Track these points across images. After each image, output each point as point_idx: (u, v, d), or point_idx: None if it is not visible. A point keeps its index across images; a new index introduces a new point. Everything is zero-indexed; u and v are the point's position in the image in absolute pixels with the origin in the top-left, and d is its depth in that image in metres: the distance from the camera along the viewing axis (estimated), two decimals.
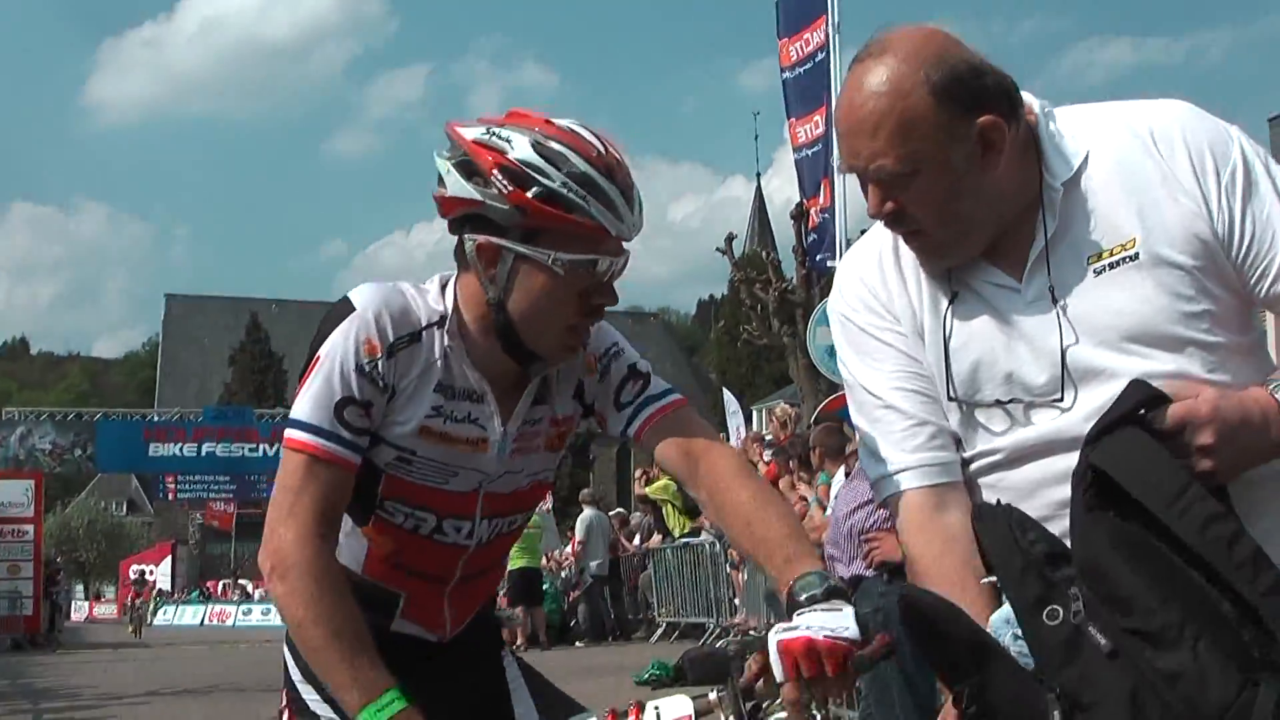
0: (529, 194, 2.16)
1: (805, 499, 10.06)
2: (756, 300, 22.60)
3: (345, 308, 2.27)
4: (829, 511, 8.11)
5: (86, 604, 71.77)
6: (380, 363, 2.23)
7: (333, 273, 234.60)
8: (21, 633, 28.28)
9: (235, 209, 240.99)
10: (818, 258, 21.04)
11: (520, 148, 2.19)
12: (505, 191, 2.17)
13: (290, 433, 2.26)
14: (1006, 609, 1.98)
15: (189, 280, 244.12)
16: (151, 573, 50.65)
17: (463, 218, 2.25)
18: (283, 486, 2.23)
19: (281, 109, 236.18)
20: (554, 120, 2.24)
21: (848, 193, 21.01)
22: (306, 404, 2.24)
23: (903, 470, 2.24)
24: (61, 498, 71.07)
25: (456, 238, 2.28)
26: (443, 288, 2.35)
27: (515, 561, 19.35)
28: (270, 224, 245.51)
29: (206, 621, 48.90)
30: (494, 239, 2.22)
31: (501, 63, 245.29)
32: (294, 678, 2.44)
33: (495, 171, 2.18)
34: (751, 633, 14.66)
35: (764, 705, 2.03)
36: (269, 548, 2.21)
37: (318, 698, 2.37)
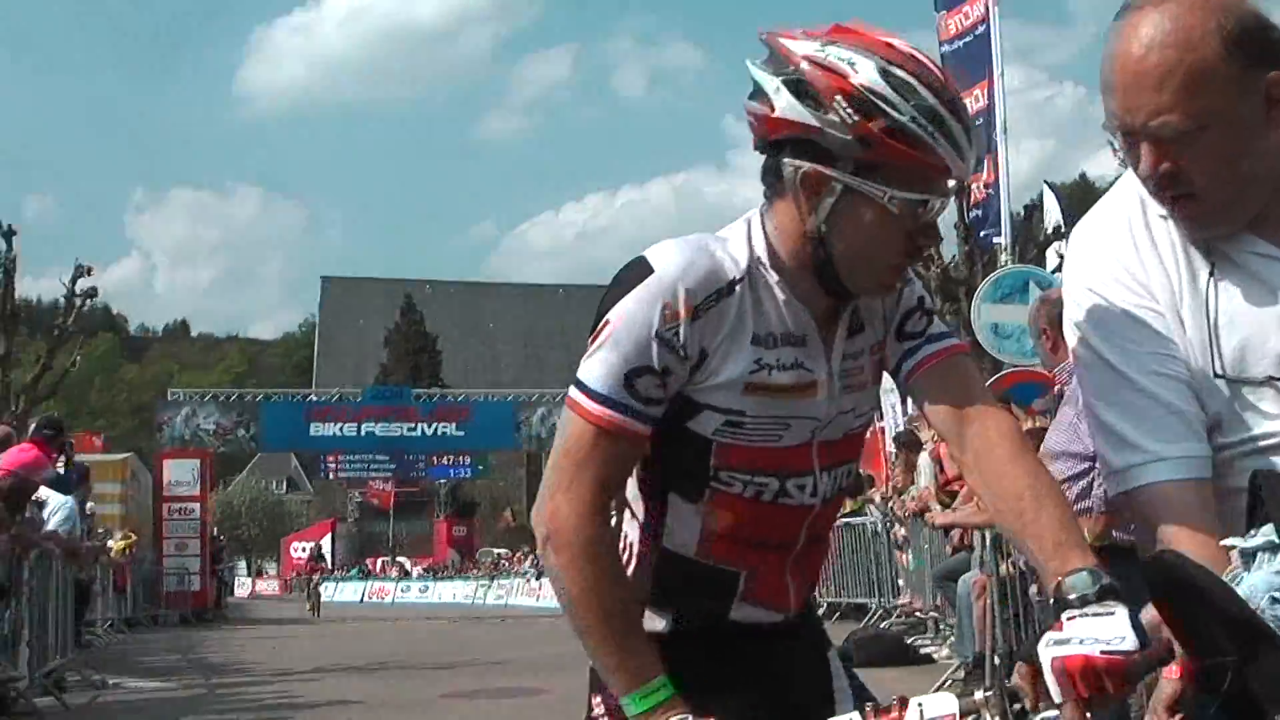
0: (874, 126, 2.00)
1: None
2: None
3: (642, 269, 2.08)
4: None
5: (249, 581, 73.54)
6: (682, 328, 2.06)
7: (483, 254, 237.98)
8: (189, 608, 29.21)
9: (386, 192, 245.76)
10: (981, 234, 20.66)
11: (865, 73, 2.01)
12: (849, 121, 2.00)
13: (576, 396, 2.10)
14: (1269, 577, 1.84)
15: (344, 263, 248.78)
16: (318, 549, 51.65)
17: (786, 140, 2.07)
18: (565, 452, 2.09)
19: (430, 92, 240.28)
20: (893, 42, 2.06)
21: (1010, 168, 20.69)
22: (596, 370, 2.09)
23: (1159, 460, 2.07)
24: (223, 477, 72.98)
25: (768, 159, 2.12)
26: (748, 230, 2.16)
27: None
28: (421, 206, 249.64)
29: (366, 598, 49.90)
30: (823, 168, 2.04)
31: (648, 41, 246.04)
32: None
33: (838, 98, 2.00)
34: (917, 614, 14.47)
35: (1029, 710, 1.91)
36: (546, 514, 2.08)
37: None
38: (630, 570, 2.24)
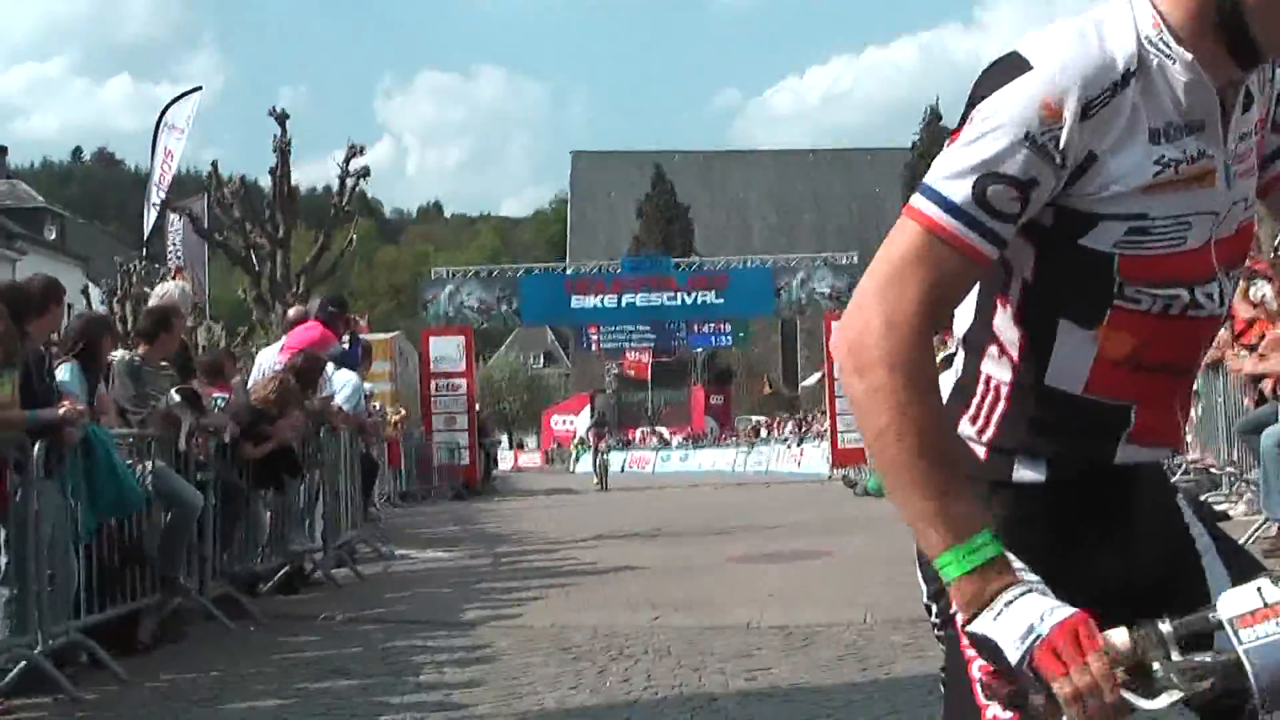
0: None
1: None
2: None
3: (1016, 63, 1.79)
4: None
5: (511, 454, 75.64)
6: (1066, 131, 1.76)
7: (727, 121, 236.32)
8: (461, 481, 30.12)
9: (629, 65, 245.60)
10: None
11: None
12: None
13: (916, 199, 1.82)
14: None
15: (590, 137, 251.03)
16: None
17: None
18: (888, 260, 1.81)
19: None
20: None
21: None
22: (945, 171, 1.79)
23: None
24: (482, 353, 74.88)
25: None
26: (1130, 6, 1.85)
27: None
28: (664, 77, 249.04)
29: (627, 468, 50.85)
30: None
31: None
32: None
33: None
34: (1211, 469, 13.80)
35: None
36: (849, 333, 1.80)
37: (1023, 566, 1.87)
38: (997, 415, 1.96)
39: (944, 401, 1.94)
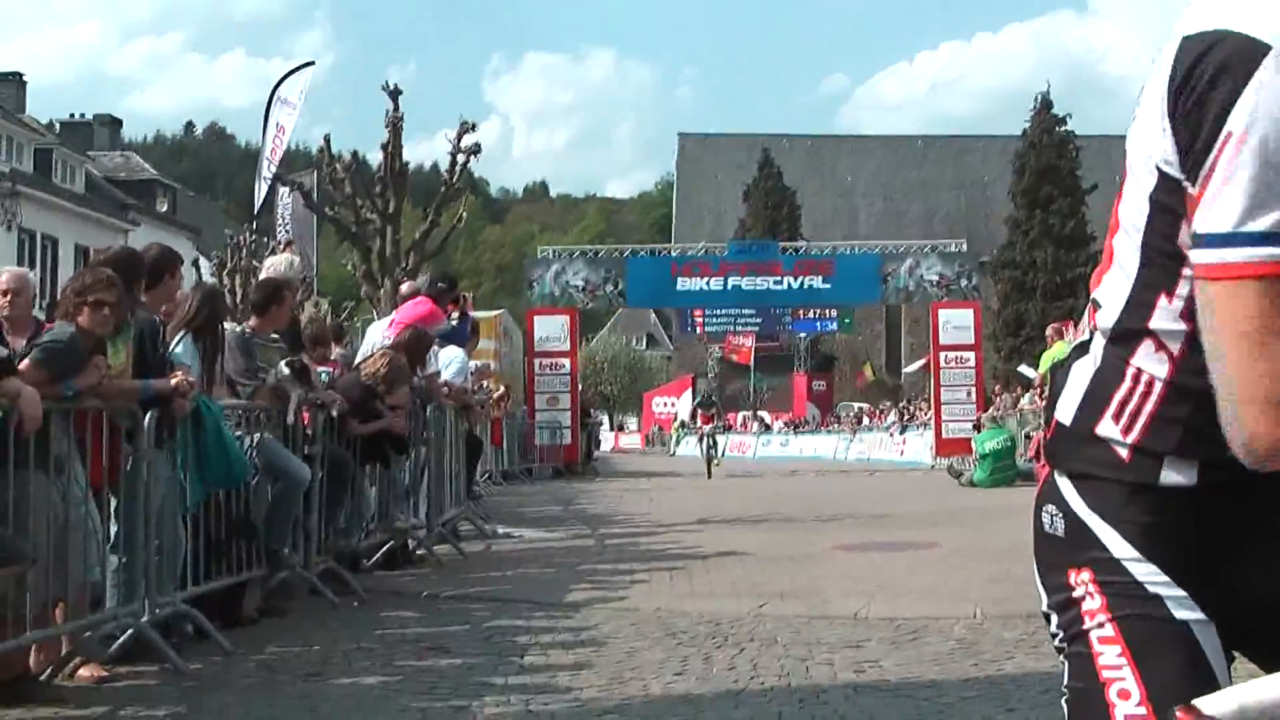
0: None
1: None
2: None
3: (1245, 47, 1.52)
4: None
5: (611, 435, 75.67)
6: None
7: (835, 106, 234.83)
8: (561, 462, 30.17)
9: (736, 48, 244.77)
10: None
11: None
12: None
13: (1215, 256, 1.56)
14: None
15: (696, 120, 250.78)
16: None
17: None
18: (1242, 338, 1.55)
19: None
20: None
21: None
22: (1236, 205, 1.53)
23: None
24: (584, 334, 75.17)
25: None
26: None
27: None
28: (772, 61, 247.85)
29: (728, 452, 50.77)
30: None
31: None
32: (1115, 552, 1.80)
33: None
34: None
35: None
36: (1255, 440, 1.57)
37: (1165, 580, 1.76)
38: (1146, 415, 1.77)
39: (1077, 393, 1.83)
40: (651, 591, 8.96)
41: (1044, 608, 1.88)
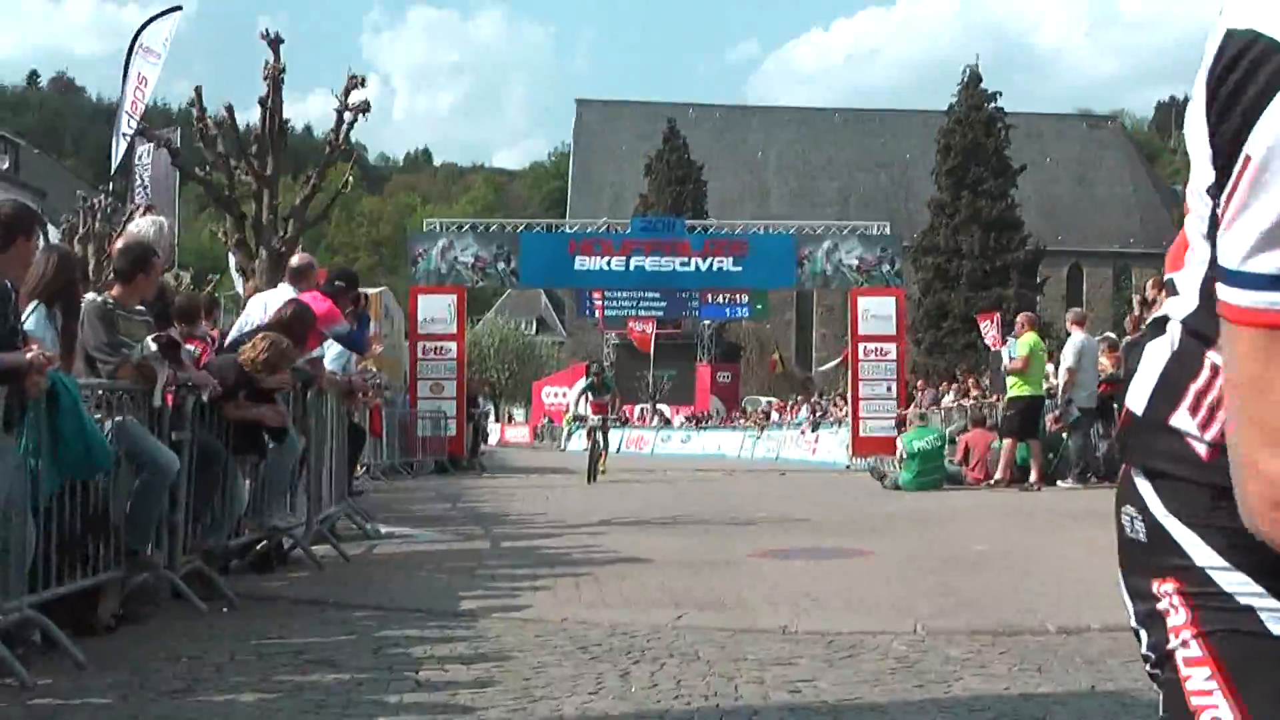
0: None
1: None
2: None
3: (1266, 52, 1.44)
4: None
5: (498, 427, 75.37)
6: None
7: (745, 75, 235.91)
8: (445, 455, 29.88)
9: (639, 8, 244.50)
10: None
11: None
12: None
13: (1230, 295, 1.50)
14: None
15: (594, 86, 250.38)
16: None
17: None
18: (1249, 384, 1.50)
19: None
20: None
21: None
22: (1244, 244, 1.47)
23: None
24: (470, 316, 74.77)
25: None
26: None
27: (1018, 389, 19.40)
28: (678, 25, 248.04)
29: (624, 448, 50.82)
30: None
31: None
32: (1200, 560, 1.72)
33: None
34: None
35: None
36: (1257, 485, 1.50)
37: (1258, 590, 1.66)
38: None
39: (1150, 379, 1.74)
40: (557, 600, 8.81)
41: (1132, 623, 1.79)
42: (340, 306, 11.94)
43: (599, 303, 38.13)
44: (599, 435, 27.01)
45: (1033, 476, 19.37)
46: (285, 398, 10.35)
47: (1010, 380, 19.82)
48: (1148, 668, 1.77)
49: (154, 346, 8.11)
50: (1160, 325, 1.77)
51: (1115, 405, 19.27)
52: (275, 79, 21.57)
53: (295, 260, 13.09)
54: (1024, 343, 19.88)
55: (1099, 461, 19.81)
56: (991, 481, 19.84)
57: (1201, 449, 1.69)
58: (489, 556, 11.59)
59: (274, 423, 9.83)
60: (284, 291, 11.95)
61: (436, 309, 30.27)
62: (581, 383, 25.50)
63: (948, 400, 31.71)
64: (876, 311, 30.31)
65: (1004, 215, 64.34)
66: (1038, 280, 68.35)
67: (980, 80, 66.61)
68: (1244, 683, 1.61)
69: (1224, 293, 1.50)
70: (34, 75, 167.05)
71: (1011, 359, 20.00)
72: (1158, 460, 1.73)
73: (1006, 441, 19.90)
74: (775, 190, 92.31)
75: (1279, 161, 1.42)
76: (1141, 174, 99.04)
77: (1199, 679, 1.65)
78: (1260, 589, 1.63)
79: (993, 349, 29.33)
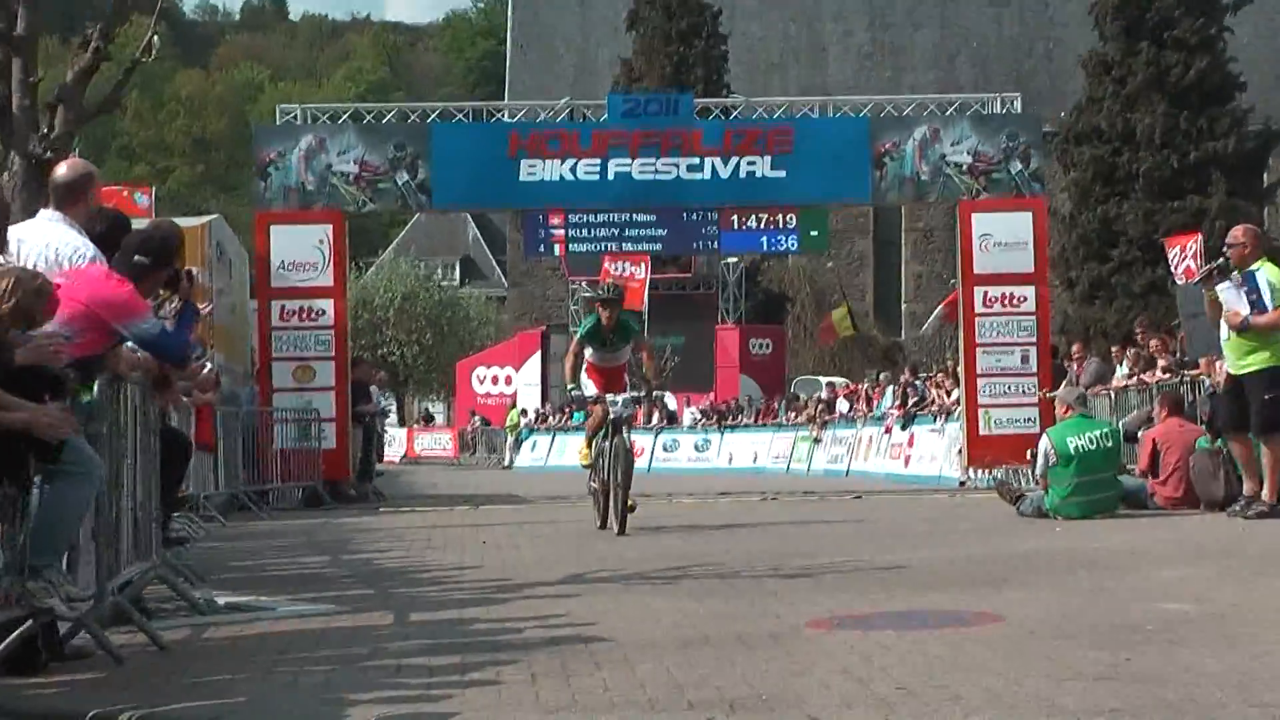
0: None
1: None
2: None
3: None
4: None
5: (402, 433, 75.53)
6: None
7: None
8: (320, 480, 29.73)
9: None
10: None
11: None
12: None
13: None
14: None
15: None
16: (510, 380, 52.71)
17: None
18: None
19: None
20: None
21: None
22: None
23: None
24: (356, 259, 74.53)
25: None
26: None
27: (1253, 355, 18.62)
28: None
29: None
30: None
31: None
32: None
33: None
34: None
35: None
36: None
37: None
38: None
39: None
40: (500, 705, 8.78)
41: None
42: (145, 290, 11.88)
43: (558, 233, 37.71)
44: (615, 440, 21.51)
45: (1265, 491, 19.09)
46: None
47: (1240, 342, 19.00)
48: None
49: None
50: None
51: None
52: None
53: (63, 171, 12.94)
54: (1270, 276, 18.77)
55: None
56: (1240, 503, 19.19)
57: None
58: (392, 638, 11.57)
59: (49, 432, 9.75)
60: (48, 225, 11.86)
61: (300, 248, 30.29)
62: (585, 323, 21.56)
63: (1120, 374, 31.58)
64: (1003, 236, 30.31)
65: (1208, 78, 63.79)
66: (1263, 182, 67.63)
67: None
68: None
69: None
70: None
71: (1240, 308, 18.91)
72: None
73: (1267, 449, 19.02)
74: (836, 46, 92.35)
75: None
76: None
77: None
78: None
79: (1184, 285, 29.25)
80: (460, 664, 10.04)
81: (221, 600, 13.40)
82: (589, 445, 22.40)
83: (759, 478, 40.36)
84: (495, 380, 74.60)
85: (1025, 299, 30.30)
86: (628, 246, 38.81)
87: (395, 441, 69.63)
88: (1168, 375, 26.63)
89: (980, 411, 30.08)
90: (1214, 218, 53.71)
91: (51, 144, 19.62)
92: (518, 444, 61.13)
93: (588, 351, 22.12)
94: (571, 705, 8.74)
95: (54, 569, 10.55)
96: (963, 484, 29.76)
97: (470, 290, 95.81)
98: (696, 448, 52.32)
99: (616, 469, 20.91)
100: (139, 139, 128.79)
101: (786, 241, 38.11)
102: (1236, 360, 18.75)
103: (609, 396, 21.60)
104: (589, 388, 22.09)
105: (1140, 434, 21.66)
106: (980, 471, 28.62)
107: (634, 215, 34.62)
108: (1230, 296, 18.46)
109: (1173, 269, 34.84)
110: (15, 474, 9.82)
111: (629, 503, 20.88)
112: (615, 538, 19.83)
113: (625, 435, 21.44)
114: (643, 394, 23.88)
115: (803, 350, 75.32)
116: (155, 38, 23.24)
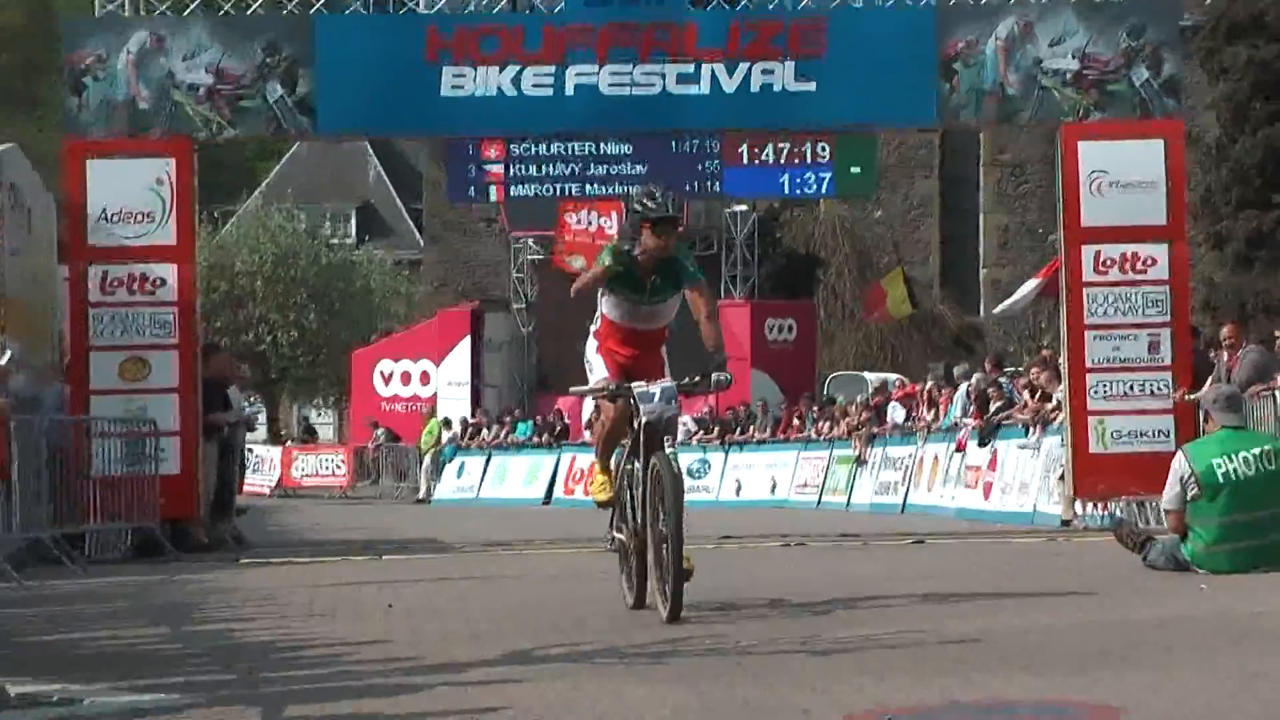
0: None
1: None
2: None
3: None
4: None
5: (275, 452, 75.78)
6: None
7: None
8: (155, 521, 29.66)
9: None
10: None
11: None
12: None
13: None
14: None
15: None
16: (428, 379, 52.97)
17: None
18: None
19: None
20: None
21: None
22: None
23: None
24: (210, 205, 74.65)
25: None
26: None
27: None
28: None
29: (561, 492, 51.10)
30: None
31: None
32: None
33: None
34: None
35: None
36: None
37: None
38: None
39: None
40: None
41: None
42: None
43: (495, 170, 37.60)
44: (654, 459, 17.75)
45: None
46: None
47: None
48: None
49: None
50: None
51: None
52: None
53: None
54: None
55: None
56: None
57: None
58: None
59: None
60: None
61: (129, 191, 30.25)
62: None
63: None
64: (1124, 174, 30.12)
65: None
66: None
67: None
68: None
69: None
70: None
71: None
72: None
73: None
74: None
75: None
76: None
77: None
78: None
79: None
80: None
81: (13, 691, 13.36)
82: (605, 469, 19.27)
83: (779, 514, 40.53)
84: (406, 378, 74.61)
85: (1156, 261, 29.99)
86: (594, 190, 38.80)
87: (265, 464, 69.90)
88: None
89: (1091, 421, 29.98)
90: None
91: None
92: (438, 468, 61.23)
93: (606, 303, 18.83)
94: None
95: None
96: (1066, 523, 29.86)
97: (371, 251, 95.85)
98: (691, 472, 52.23)
99: (659, 507, 17.33)
100: None
101: (817, 182, 38.17)
102: None
103: (638, 386, 17.93)
104: (600, 369, 18.44)
105: None
106: (1091, 506, 28.70)
107: (602, 146, 34.59)
108: None
109: None
110: None
111: (684, 563, 17.24)
112: (577, 586, 19.77)
113: (670, 451, 17.86)
114: (696, 379, 18.44)
115: (840, 335, 75.50)
116: None
